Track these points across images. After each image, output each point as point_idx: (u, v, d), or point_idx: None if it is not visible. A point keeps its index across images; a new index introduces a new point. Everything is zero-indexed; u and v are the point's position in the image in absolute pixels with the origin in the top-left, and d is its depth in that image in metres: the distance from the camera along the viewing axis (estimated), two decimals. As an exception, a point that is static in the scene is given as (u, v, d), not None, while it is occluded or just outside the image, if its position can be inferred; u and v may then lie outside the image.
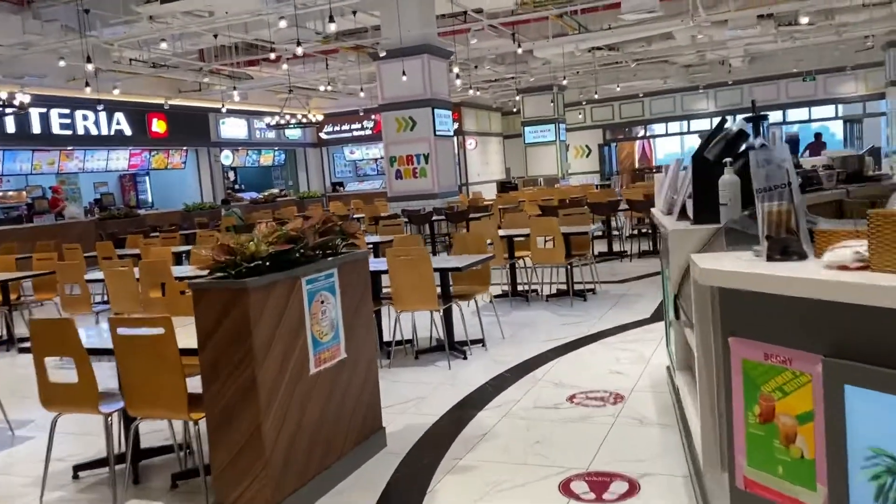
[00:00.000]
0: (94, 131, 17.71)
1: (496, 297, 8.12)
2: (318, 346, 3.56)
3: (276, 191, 23.19)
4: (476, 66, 18.07)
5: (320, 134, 25.46)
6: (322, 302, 3.61)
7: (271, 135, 23.70)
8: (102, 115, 17.71)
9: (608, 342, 6.02)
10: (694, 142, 28.89)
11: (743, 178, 3.40)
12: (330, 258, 3.76)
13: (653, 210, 4.58)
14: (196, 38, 14.83)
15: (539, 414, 4.43)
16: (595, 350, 5.83)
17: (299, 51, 9.94)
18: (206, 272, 3.33)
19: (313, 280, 3.54)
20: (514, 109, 25.57)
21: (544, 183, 21.97)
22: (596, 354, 5.69)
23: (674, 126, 27.65)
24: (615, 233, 11.34)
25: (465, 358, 5.83)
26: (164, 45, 11.25)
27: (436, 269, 5.60)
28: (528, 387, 4.97)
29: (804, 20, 13.18)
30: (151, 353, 3.35)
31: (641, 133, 28.42)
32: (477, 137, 24.80)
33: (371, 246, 8.65)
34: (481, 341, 6.19)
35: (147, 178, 21.30)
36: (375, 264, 6.18)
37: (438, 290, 5.66)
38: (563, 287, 8.25)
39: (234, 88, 15.59)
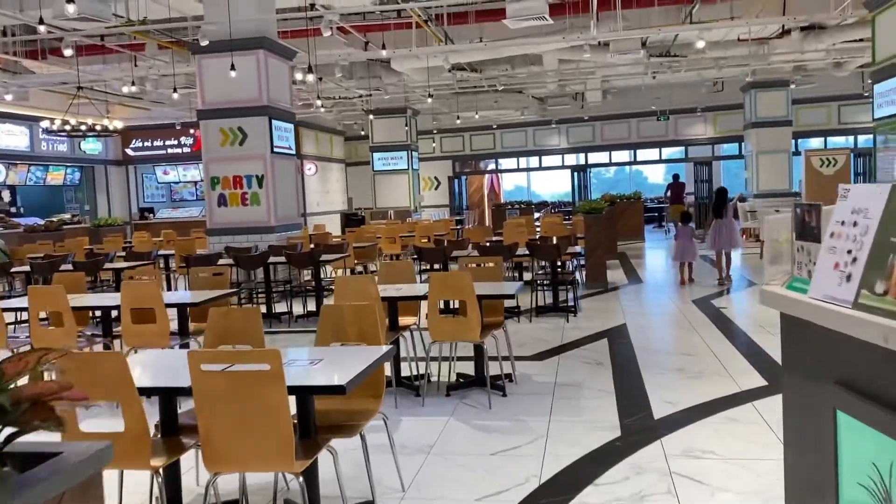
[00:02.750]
0: None
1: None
2: None
3: (66, 216, 18.87)
4: (321, 78, 15.29)
5: (126, 150, 21.32)
6: None
7: (63, 147, 19.33)
8: None
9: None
10: (546, 180, 27.81)
11: None
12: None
13: (822, 304, 2.11)
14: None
15: None
16: (579, 523, 3.28)
17: (70, 8, 6.64)
18: None
19: None
20: (362, 132, 22.92)
21: (395, 216, 19.52)
22: (588, 537, 3.14)
23: (524, 161, 26.34)
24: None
25: (346, 552, 3.06)
26: None
27: (293, 391, 2.82)
28: None
29: (700, 44, 11.80)
30: None
31: (491, 166, 26.83)
32: (317, 162, 21.87)
33: (175, 310, 5.59)
34: (370, 504, 3.44)
35: None
36: (169, 369, 3.20)
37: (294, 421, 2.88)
38: (468, 370, 5.69)
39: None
